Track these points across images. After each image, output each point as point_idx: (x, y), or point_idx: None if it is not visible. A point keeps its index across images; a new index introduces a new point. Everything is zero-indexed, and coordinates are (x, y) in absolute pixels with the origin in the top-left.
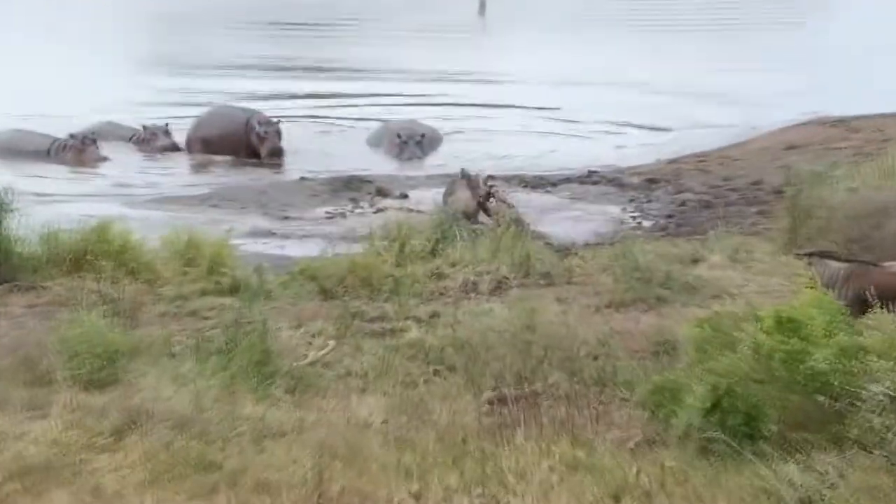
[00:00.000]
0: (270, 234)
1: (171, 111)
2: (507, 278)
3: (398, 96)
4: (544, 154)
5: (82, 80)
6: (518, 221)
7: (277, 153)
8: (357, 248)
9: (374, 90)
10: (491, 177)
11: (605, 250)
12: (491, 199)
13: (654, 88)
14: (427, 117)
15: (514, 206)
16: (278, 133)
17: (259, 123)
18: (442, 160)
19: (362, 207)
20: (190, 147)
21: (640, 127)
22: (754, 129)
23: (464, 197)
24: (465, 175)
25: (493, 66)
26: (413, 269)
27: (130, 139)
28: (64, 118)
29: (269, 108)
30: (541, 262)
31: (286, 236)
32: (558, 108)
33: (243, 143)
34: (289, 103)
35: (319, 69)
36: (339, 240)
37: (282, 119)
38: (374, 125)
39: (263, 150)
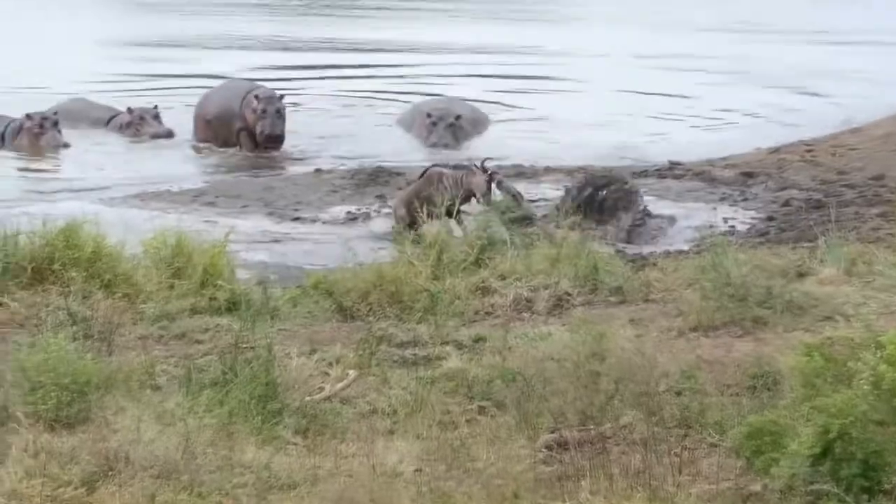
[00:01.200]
0: (278, 238)
1: (165, 87)
2: (570, 294)
3: (441, 66)
4: (616, 143)
5: (59, 52)
6: (524, 218)
7: (274, 140)
8: (384, 257)
9: (412, 61)
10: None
11: (690, 260)
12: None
13: (750, 64)
14: (478, 97)
15: (521, 197)
16: (279, 113)
17: (258, 99)
18: (486, 148)
19: (391, 206)
20: (195, 131)
21: (731, 110)
22: (874, 111)
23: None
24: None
25: (563, 40)
26: (453, 283)
27: (109, 122)
28: (33, 93)
29: (277, 84)
30: (611, 274)
31: (297, 241)
32: (635, 90)
33: (237, 123)
34: (303, 75)
35: (346, 43)
36: (362, 246)
37: (294, 94)
38: (406, 104)
39: (258, 134)
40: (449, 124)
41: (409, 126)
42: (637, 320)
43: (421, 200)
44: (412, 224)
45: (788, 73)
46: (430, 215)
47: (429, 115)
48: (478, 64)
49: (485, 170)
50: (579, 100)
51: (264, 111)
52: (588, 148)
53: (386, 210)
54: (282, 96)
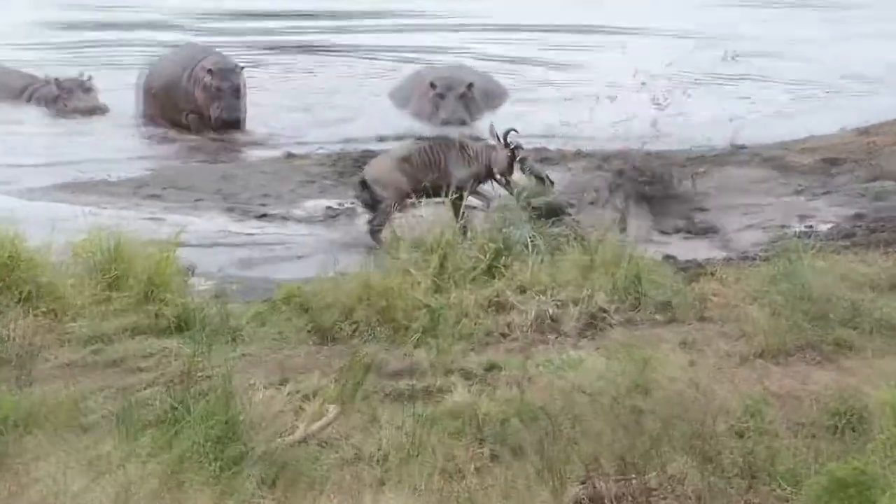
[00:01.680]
0: (240, 240)
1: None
2: (606, 311)
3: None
4: (662, 122)
5: None
6: (553, 210)
7: (232, 124)
8: (372, 263)
9: (407, 23)
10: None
11: (756, 268)
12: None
13: (833, 28)
14: (492, 68)
15: (550, 182)
16: (237, 92)
17: (210, 73)
18: (505, 125)
19: (373, 175)
20: (141, 106)
21: (810, 82)
22: None
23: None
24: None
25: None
26: (460, 297)
27: (24, 93)
28: None
29: (240, 52)
30: (657, 286)
31: (264, 244)
32: (684, 63)
33: (183, 103)
34: (272, 40)
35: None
36: (345, 250)
37: (260, 62)
38: (405, 71)
39: (211, 119)
40: (459, 95)
41: (406, 99)
42: (690, 344)
43: (427, 171)
44: (406, 197)
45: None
46: (434, 194)
47: (433, 86)
48: (489, 29)
49: (506, 144)
50: (617, 72)
51: (218, 89)
52: (628, 128)
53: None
54: (241, 67)
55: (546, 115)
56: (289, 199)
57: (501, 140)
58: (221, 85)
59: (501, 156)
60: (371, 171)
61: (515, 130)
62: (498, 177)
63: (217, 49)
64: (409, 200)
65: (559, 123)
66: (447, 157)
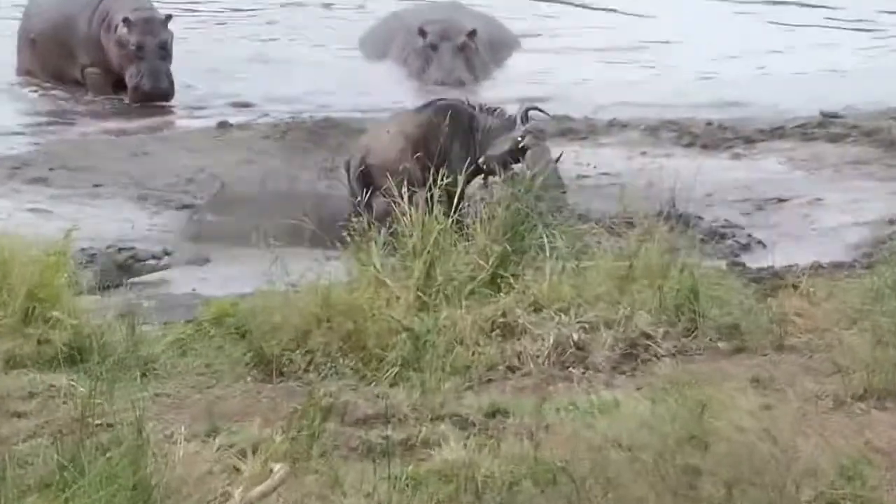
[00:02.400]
0: (155, 240)
1: None
2: (651, 338)
3: None
4: (723, 82)
5: None
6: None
7: (156, 96)
8: (337, 272)
9: None
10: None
11: (856, 280)
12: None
13: None
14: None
15: (563, 188)
16: (162, 50)
17: (128, 24)
18: (514, 84)
19: (345, 185)
20: (18, 57)
21: None
22: None
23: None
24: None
25: None
26: (453, 317)
27: None
28: None
29: None
30: (720, 304)
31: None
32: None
33: (82, 54)
34: None
35: None
36: (298, 254)
37: (187, 7)
38: (376, 12)
39: (130, 89)
40: (458, 46)
41: (382, 50)
42: (764, 381)
43: (434, 151)
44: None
45: None
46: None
47: (422, 33)
48: None
49: (525, 118)
50: (667, 14)
51: (139, 47)
52: (678, 90)
53: (338, 191)
54: (168, 16)
55: (569, 72)
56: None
57: (519, 119)
58: (143, 41)
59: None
60: (375, 150)
61: (540, 110)
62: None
63: None
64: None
65: (587, 82)
66: (455, 132)
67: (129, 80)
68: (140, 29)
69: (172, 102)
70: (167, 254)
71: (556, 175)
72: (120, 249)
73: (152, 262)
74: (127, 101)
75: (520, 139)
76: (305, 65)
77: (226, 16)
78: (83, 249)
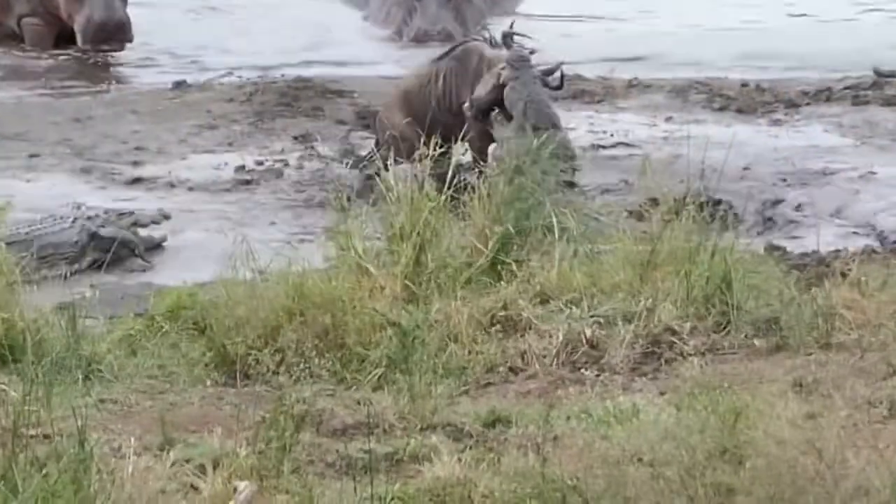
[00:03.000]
0: (100, 218)
1: None
2: (676, 334)
3: None
4: (755, 36)
5: None
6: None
7: (110, 31)
8: (312, 257)
9: None
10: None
11: None
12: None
13: None
14: None
15: (558, 128)
16: None
17: None
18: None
19: (322, 156)
20: None
21: None
22: None
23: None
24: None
25: None
26: (447, 310)
27: None
28: None
29: None
30: (758, 293)
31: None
32: None
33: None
34: None
35: None
36: (265, 235)
37: None
38: None
39: (79, 21)
40: None
41: (362, 1)
42: (808, 385)
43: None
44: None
45: None
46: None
47: None
48: None
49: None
50: None
51: None
52: (703, 45)
53: (313, 163)
54: None
55: (582, 27)
56: (177, 154)
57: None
58: None
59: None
60: (382, 105)
61: (524, 35)
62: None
63: None
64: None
65: (602, 38)
66: (462, 80)
67: (79, 17)
68: None
69: (121, 59)
70: (165, 217)
71: (566, 144)
72: (120, 214)
73: (153, 227)
74: (78, 43)
75: (499, 73)
76: (274, 17)
77: None
78: (89, 217)
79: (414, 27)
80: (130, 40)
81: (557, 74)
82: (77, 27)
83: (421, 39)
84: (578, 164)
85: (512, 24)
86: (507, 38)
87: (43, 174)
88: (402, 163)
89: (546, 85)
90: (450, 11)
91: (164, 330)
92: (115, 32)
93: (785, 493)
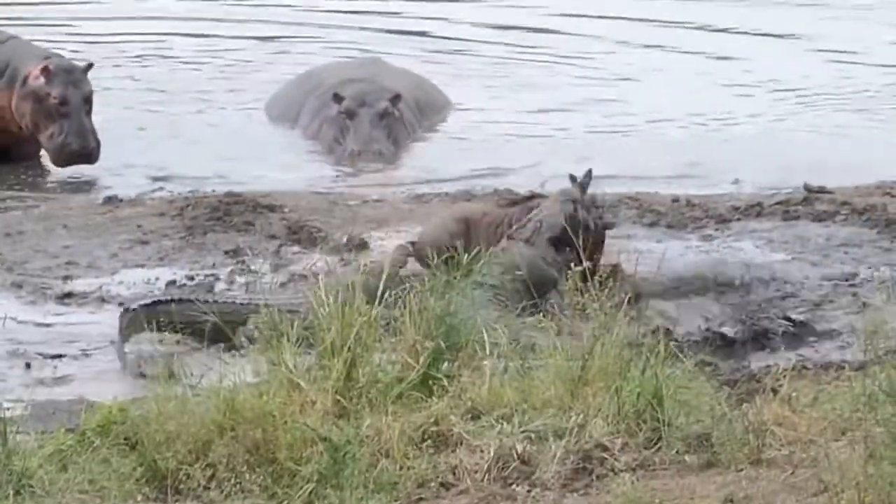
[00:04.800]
0: (29, 335)
1: None
2: (608, 450)
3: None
4: (691, 150)
5: None
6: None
7: (86, 156)
8: (244, 371)
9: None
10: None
11: (846, 382)
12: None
13: None
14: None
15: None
16: (87, 105)
17: (47, 73)
18: (443, 158)
19: (254, 271)
20: None
21: None
22: None
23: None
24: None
25: None
26: (378, 425)
27: None
28: None
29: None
30: (689, 409)
31: (69, 341)
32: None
33: None
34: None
35: None
36: (196, 349)
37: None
38: (286, 73)
39: (51, 144)
40: (380, 114)
41: (293, 115)
42: (740, 501)
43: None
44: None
45: None
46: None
47: (338, 98)
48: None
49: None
50: (609, 72)
51: (62, 103)
52: (643, 160)
53: (245, 277)
54: (89, 65)
55: (508, 140)
56: (108, 270)
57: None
58: (67, 95)
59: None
60: None
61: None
62: None
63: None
64: None
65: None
66: None
67: (51, 140)
68: (62, 80)
69: (53, 173)
70: None
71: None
72: None
73: None
74: (50, 161)
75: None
76: (208, 133)
77: (113, 77)
78: None
79: (347, 148)
80: (96, 162)
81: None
82: (49, 149)
83: (355, 160)
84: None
85: (589, 171)
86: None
87: None
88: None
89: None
90: (382, 130)
91: (94, 445)
92: (87, 159)
93: None
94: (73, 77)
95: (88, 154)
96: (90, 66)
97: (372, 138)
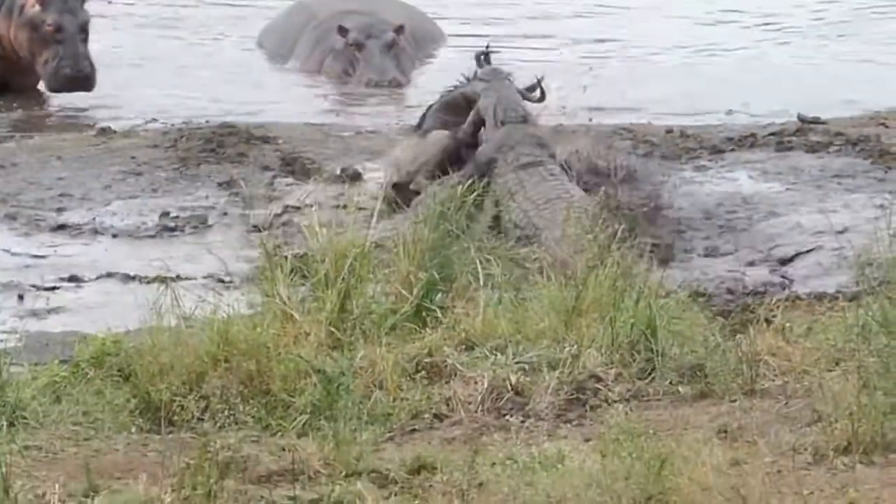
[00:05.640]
0: (22, 266)
1: None
2: (601, 380)
3: None
4: (686, 79)
5: None
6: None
7: (79, 84)
8: (237, 303)
9: None
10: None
11: (839, 313)
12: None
13: None
14: None
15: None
16: (83, 32)
17: (42, 1)
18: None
19: (248, 203)
20: None
21: None
22: None
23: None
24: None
25: None
26: (371, 356)
27: None
28: None
29: None
30: (683, 339)
31: (61, 271)
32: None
33: None
34: None
35: None
36: (191, 282)
37: None
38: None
39: (46, 69)
40: (388, 44)
41: (287, 48)
42: (733, 432)
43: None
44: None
45: None
46: None
47: (343, 31)
48: None
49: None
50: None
51: (58, 29)
52: (637, 92)
53: (238, 210)
54: None
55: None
56: (101, 202)
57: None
58: (62, 22)
59: None
60: None
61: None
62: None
63: None
64: None
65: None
66: None
67: (46, 66)
68: (58, 7)
69: (44, 103)
70: None
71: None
72: None
73: None
74: (44, 88)
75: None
76: (202, 65)
77: (112, 6)
78: None
79: (364, 77)
80: (92, 88)
81: (538, 92)
82: (44, 75)
83: (370, 88)
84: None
85: (487, 45)
86: (480, 57)
87: None
88: None
89: (526, 99)
90: (391, 60)
91: (88, 377)
92: (82, 84)
93: None
94: (69, 5)
95: (84, 79)
96: None
97: (386, 67)
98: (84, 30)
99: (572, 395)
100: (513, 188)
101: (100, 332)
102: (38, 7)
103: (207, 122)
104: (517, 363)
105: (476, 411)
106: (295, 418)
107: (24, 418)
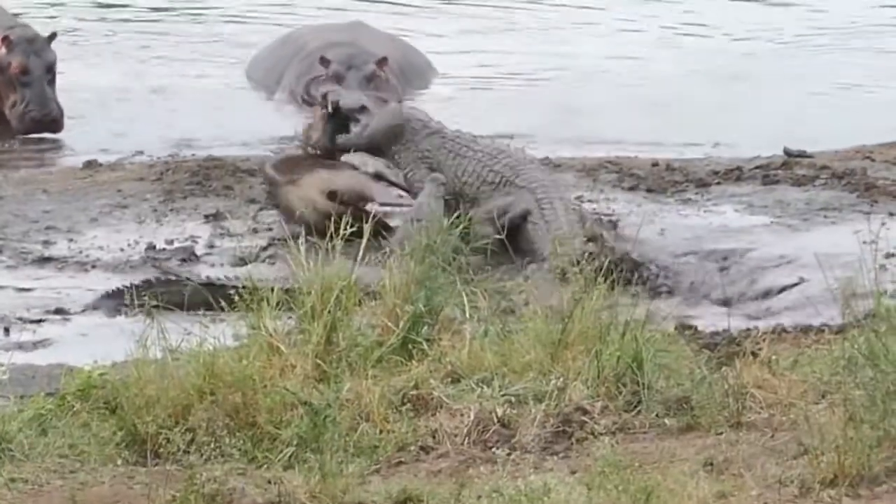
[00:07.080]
0: (8, 299)
1: None
2: (587, 413)
3: None
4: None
5: None
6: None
7: (48, 123)
8: (224, 336)
9: None
10: None
11: (825, 346)
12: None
13: None
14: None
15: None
16: (48, 74)
17: (7, 42)
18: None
19: (234, 234)
20: None
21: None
22: None
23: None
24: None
25: None
26: (358, 389)
27: None
28: None
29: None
30: (669, 373)
31: (48, 307)
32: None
33: None
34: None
35: None
36: (177, 314)
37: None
38: (263, 34)
39: (13, 113)
40: (367, 77)
41: (275, 79)
42: (719, 465)
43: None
44: None
45: None
46: None
47: (324, 62)
48: None
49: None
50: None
51: (23, 71)
52: (620, 126)
53: (226, 240)
54: (52, 35)
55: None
56: (88, 234)
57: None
58: (28, 64)
59: None
60: None
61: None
62: None
63: None
64: None
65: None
66: None
67: (13, 109)
68: (23, 49)
69: (33, 138)
70: None
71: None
72: None
73: None
74: (16, 128)
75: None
76: (189, 100)
77: (99, 41)
78: None
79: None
80: (60, 130)
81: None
82: (11, 117)
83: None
84: None
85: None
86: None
87: None
88: None
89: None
90: (371, 91)
91: (74, 409)
92: (49, 126)
93: None
94: (35, 46)
95: (51, 121)
96: (54, 35)
97: (361, 101)
98: (51, 70)
99: (559, 427)
100: (452, 147)
101: (86, 364)
102: (3, 49)
103: (193, 154)
104: (503, 396)
105: (462, 444)
106: (281, 451)
107: (10, 450)
